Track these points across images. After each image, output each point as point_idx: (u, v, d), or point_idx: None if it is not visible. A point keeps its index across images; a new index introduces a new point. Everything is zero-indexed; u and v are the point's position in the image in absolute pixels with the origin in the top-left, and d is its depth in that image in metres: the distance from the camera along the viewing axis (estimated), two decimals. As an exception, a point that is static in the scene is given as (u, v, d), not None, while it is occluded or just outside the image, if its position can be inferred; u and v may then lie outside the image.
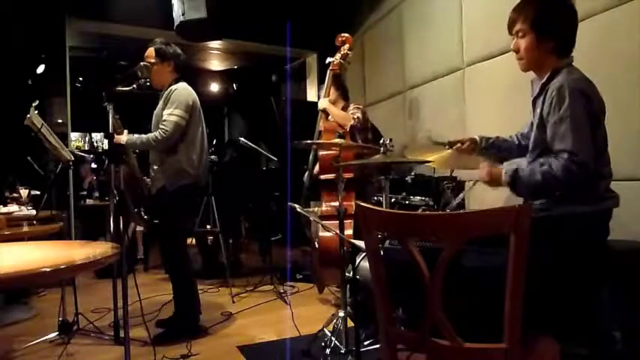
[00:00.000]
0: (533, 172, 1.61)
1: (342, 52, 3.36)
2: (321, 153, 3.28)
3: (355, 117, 3.29)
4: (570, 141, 1.54)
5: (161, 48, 2.81)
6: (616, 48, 2.42)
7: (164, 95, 2.79)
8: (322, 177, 3.29)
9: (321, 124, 3.41)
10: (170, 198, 2.75)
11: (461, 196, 2.31)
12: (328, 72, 3.41)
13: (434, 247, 1.14)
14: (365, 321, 2.41)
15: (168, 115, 2.69)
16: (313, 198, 3.55)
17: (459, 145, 2.02)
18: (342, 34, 3.41)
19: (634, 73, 2.33)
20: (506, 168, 1.69)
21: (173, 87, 2.78)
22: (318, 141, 3.27)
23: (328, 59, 3.42)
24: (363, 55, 5.07)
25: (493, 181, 1.72)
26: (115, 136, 2.63)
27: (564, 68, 1.68)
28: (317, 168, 3.40)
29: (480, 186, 2.43)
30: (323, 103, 3.38)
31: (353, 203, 3.07)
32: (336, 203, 2.45)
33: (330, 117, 3.39)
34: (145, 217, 2.86)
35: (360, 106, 3.46)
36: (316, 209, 3.36)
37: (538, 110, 1.72)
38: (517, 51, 1.77)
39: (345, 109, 3.42)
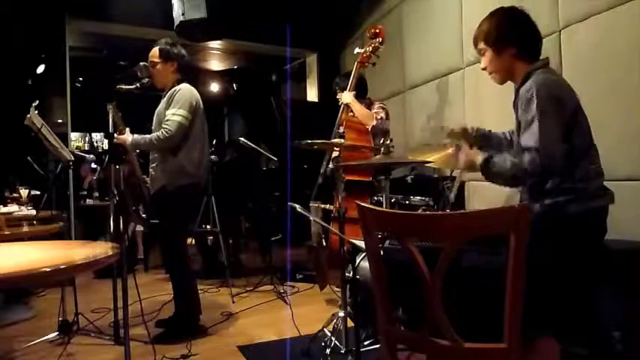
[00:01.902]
0: (504, 160, 1.67)
1: (373, 45, 3.19)
2: (345, 153, 3.21)
3: (379, 117, 3.21)
4: (536, 138, 1.58)
5: (165, 48, 2.81)
6: (616, 48, 2.41)
7: (167, 95, 2.79)
8: (348, 178, 3.23)
9: (342, 118, 3.29)
10: (170, 198, 2.75)
11: (455, 185, 2.34)
12: (355, 64, 3.26)
13: (434, 247, 1.15)
14: (365, 321, 2.41)
15: (172, 114, 2.69)
16: (318, 197, 3.52)
17: (452, 129, 2.08)
18: (378, 26, 3.24)
19: (634, 73, 2.32)
20: (482, 153, 1.76)
21: (177, 87, 2.78)
22: (318, 141, 3.25)
23: (357, 50, 3.26)
24: (363, 55, 5.07)
25: (468, 163, 1.79)
26: (119, 136, 2.64)
27: (536, 71, 1.72)
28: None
29: (481, 185, 2.41)
30: (347, 98, 3.25)
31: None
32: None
33: (350, 112, 3.28)
34: (144, 215, 2.85)
35: (385, 106, 3.38)
36: (328, 207, 3.30)
37: (516, 114, 1.78)
38: (485, 68, 1.85)
39: (368, 107, 3.33)
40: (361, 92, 3.41)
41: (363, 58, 3.22)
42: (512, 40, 1.75)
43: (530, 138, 1.59)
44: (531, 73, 1.72)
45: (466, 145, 1.86)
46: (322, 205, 3.36)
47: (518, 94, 1.73)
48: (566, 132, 1.61)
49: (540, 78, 1.66)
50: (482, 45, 1.81)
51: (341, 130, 3.25)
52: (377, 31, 3.23)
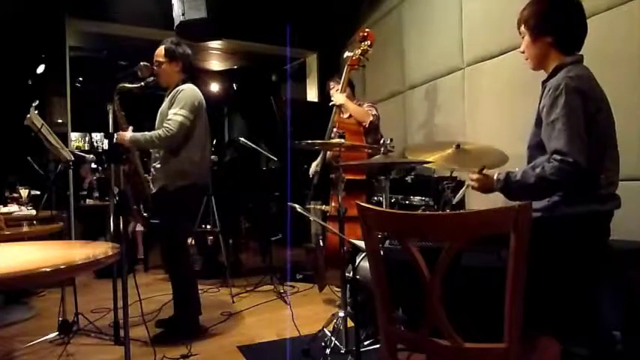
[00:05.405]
0: (526, 175, 1.61)
1: (362, 48, 3.23)
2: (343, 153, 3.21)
3: (372, 114, 3.25)
4: (563, 141, 1.52)
5: (170, 47, 2.81)
6: (616, 48, 2.41)
7: (170, 94, 2.80)
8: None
9: (335, 120, 3.32)
10: (170, 198, 2.74)
11: (460, 194, 2.31)
12: (346, 67, 3.30)
13: (434, 247, 1.14)
14: (365, 321, 2.41)
15: (174, 114, 2.69)
16: (316, 197, 3.53)
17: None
18: (365, 29, 3.29)
19: (634, 73, 2.32)
20: (497, 174, 1.69)
21: (180, 87, 2.79)
22: (318, 141, 3.25)
23: (346, 53, 3.30)
24: (363, 55, 5.07)
25: (484, 188, 1.73)
26: (120, 133, 2.64)
27: (568, 65, 1.67)
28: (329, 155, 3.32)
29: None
30: (340, 99, 3.29)
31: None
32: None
33: (343, 113, 3.32)
34: (145, 214, 2.85)
35: (374, 105, 3.43)
36: (324, 208, 3.32)
37: (538, 107, 1.72)
38: (523, 52, 1.82)
39: (359, 106, 3.39)
40: (351, 94, 3.46)
41: (353, 62, 3.26)
42: (550, 28, 1.70)
43: (557, 140, 1.54)
44: (563, 67, 1.67)
45: (476, 170, 1.76)
46: (319, 207, 3.37)
47: (544, 87, 1.69)
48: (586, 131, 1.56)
49: (571, 75, 1.61)
50: (522, 28, 1.78)
51: (334, 131, 3.27)
52: (365, 34, 3.26)
